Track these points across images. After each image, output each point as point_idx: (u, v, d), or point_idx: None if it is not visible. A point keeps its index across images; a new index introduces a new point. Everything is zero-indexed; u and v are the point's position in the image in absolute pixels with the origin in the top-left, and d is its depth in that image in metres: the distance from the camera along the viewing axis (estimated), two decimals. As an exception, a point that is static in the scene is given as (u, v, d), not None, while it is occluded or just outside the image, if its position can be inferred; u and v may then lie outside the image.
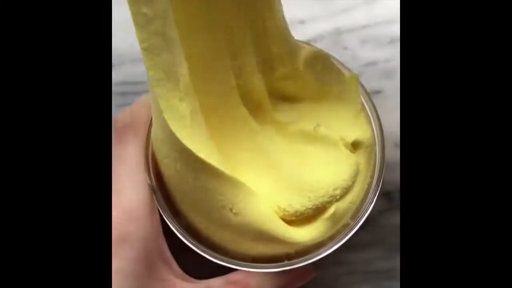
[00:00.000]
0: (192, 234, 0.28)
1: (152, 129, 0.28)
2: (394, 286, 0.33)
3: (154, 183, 0.28)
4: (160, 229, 0.28)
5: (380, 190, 0.28)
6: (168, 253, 0.29)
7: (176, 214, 0.28)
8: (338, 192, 0.27)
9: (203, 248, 0.28)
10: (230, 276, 0.29)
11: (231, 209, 0.26)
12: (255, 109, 0.28)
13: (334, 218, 0.28)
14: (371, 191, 0.28)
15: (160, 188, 0.28)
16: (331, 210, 0.27)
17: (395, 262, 0.33)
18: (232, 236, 0.27)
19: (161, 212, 0.28)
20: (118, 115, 0.30)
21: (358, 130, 0.28)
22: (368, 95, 0.29)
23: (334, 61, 0.28)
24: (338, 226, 0.28)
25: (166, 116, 0.24)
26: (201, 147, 0.25)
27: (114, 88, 0.34)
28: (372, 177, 0.28)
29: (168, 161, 0.27)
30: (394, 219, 0.34)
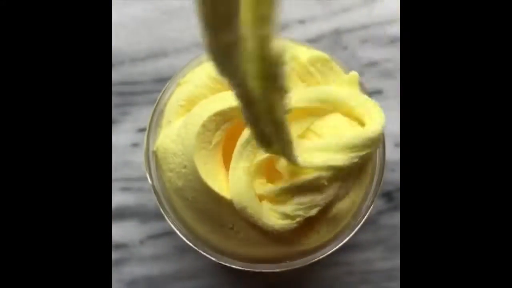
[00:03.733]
0: (193, 234, 0.28)
1: (163, 138, 0.28)
2: (394, 286, 0.33)
3: (156, 182, 0.28)
4: None
5: (380, 190, 0.28)
6: None
7: (177, 214, 0.28)
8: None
9: (204, 248, 0.28)
10: None
11: (231, 228, 0.27)
12: None
13: (335, 219, 0.28)
14: (371, 191, 0.28)
15: (161, 187, 0.28)
16: (332, 211, 0.27)
17: (395, 262, 0.33)
18: (234, 244, 0.28)
19: (162, 212, 0.28)
20: None
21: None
22: (369, 95, 0.29)
23: (334, 63, 0.28)
24: (339, 227, 0.28)
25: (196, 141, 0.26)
26: (210, 168, 0.26)
27: (114, 88, 0.34)
28: (372, 177, 0.28)
29: (172, 175, 0.27)
30: (394, 219, 0.34)
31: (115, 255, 0.33)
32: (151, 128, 0.28)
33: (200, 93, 0.28)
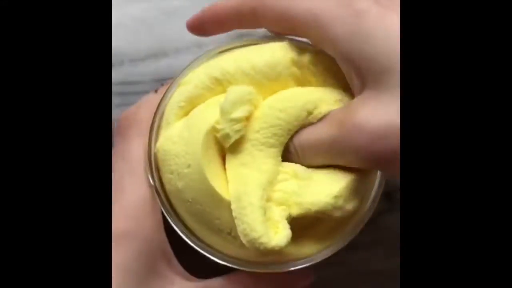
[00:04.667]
0: (195, 235, 0.28)
1: (163, 140, 0.28)
2: (394, 286, 0.33)
3: (157, 184, 0.28)
4: (161, 227, 0.28)
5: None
6: (169, 251, 0.29)
7: (178, 215, 0.28)
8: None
9: (205, 247, 0.28)
10: (230, 277, 0.29)
11: (229, 233, 0.27)
12: None
13: (336, 226, 0.28)
14: (372, 194, 0.28)
15: (163, 188, 0.28)
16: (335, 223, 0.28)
17: (395, 262, 0.33)
18: (232, 249, 0.28)
19: (163, 211, 0.28)
20: (124, 112, 0.30)
21: None
22: None
23: (335, 61, 0.28)
24: (340, 232, 0.28)
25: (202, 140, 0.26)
26: (213, 168, 0.26)
27: (114, 88, 0.34)
28: (374, 180, 0.28)
29: (172, 176, 0.27)
30: (394, 219, 0.34)
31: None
32: (153, 130, 0.28)
33: (200, 94, 0.28)
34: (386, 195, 0.34)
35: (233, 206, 0.26)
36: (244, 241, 0.25)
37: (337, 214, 0.26)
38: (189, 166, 0.26)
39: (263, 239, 0.25)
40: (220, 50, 0.29)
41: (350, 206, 0.26)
